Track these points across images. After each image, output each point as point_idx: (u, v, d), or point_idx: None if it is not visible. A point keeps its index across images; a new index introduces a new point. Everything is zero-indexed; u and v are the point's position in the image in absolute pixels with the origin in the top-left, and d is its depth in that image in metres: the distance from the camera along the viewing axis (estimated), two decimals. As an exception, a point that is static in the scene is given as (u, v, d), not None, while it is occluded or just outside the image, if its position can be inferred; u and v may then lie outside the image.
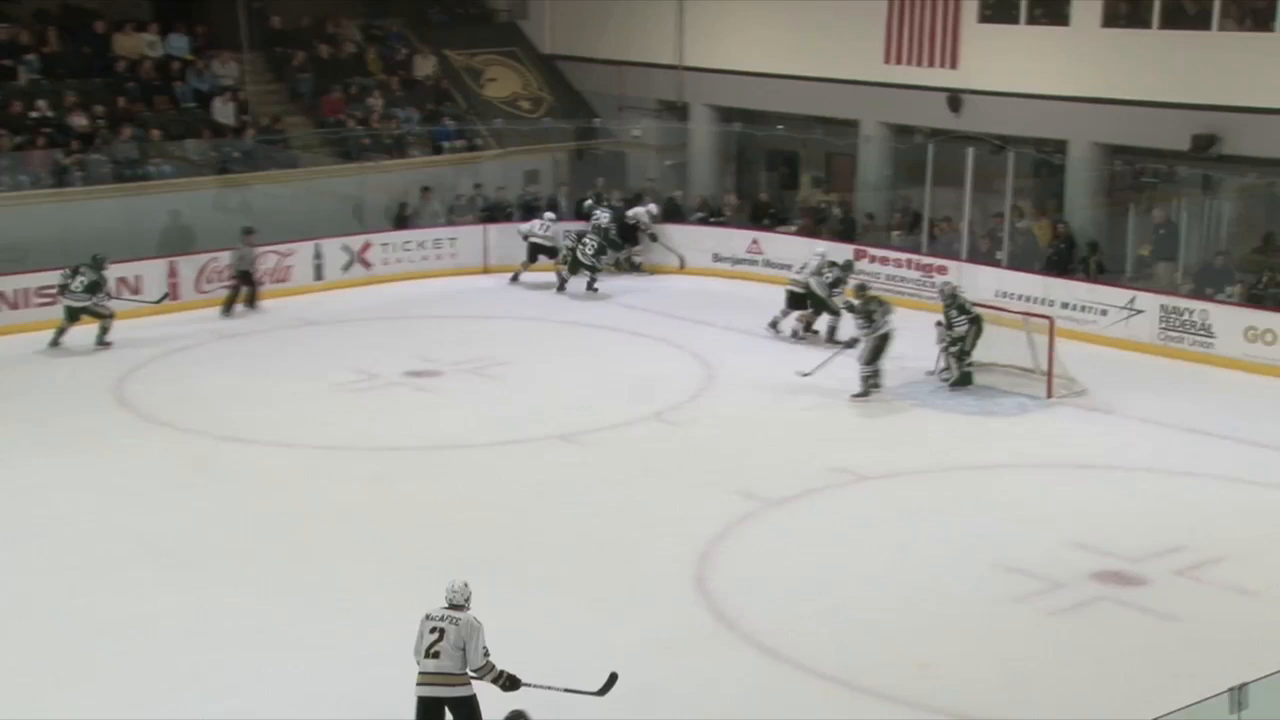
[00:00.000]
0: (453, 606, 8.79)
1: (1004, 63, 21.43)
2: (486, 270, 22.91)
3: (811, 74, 23.60)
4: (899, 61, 22.48)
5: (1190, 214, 19.87)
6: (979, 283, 19.69)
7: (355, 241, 22.38)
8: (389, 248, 22.59)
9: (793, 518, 13.11)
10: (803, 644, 10.61)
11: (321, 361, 17.96)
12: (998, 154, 20.87)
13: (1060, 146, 21.22)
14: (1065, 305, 19.03)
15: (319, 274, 21.96)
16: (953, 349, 16.67)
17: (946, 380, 16.72)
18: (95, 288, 18.29)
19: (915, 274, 20.87)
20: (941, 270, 20.47)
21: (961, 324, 16.57)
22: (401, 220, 23.33)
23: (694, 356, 18.30)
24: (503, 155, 25.02)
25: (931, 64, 22.08)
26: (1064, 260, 20.24)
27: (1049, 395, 16.47)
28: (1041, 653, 10.59)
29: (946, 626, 10.96)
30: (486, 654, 8.71)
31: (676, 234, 23.07)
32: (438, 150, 24.82)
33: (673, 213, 23.80)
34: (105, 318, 18.29)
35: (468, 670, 8.65)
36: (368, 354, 18.22)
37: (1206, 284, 18.82)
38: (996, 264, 20.31)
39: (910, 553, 12.23)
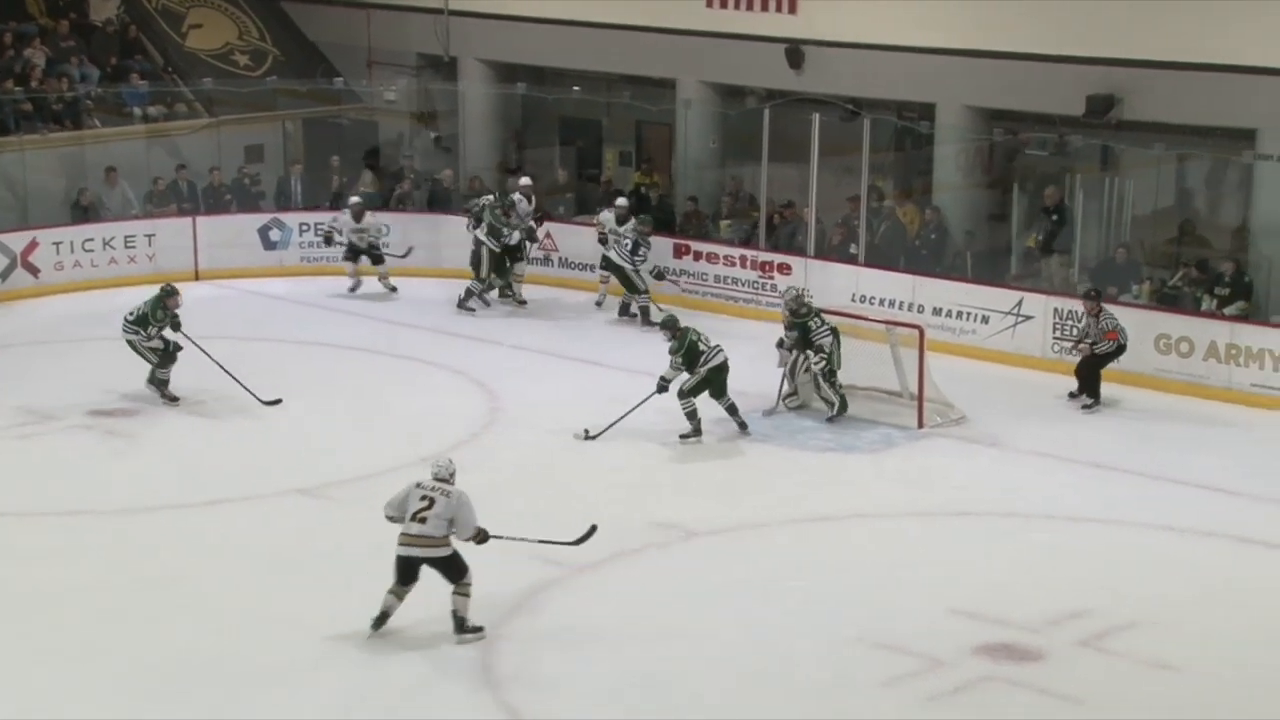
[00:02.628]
0: (440, 480, 12.04)
1: (855, 7, 22.00)
2: (199, 276, 22.58)
3: (615, 21, 23.89)
4: (724, 5, 22.91)
5: (1087, 194, 20.64)
6: (831, 284, 20.18)
7: (17, 240, 21.87)
8: (63, 248, 22.18)
9: (603, 588, 13.22)
10: (621, 750, 10.73)
11: (-28, 400, 17.53)
12: (850, 121, 21.38)
13: (927, 111, 21.85)
14: (938, 311, 19.63)
15: (-34, 284, 21.45)
16: (817, 366, 17.01)
17: (830, 416, 16.99)
18: (143, 322, 17.54)
19: (751, 274, 21.27)
20: (784, 270, 20.91)
21: (825, 335, 16.97)
22: (80, 212, 22.87)
23: (475, 384, 18.34)
24: (214, 125, 24.71)
25: (765, 9, 22.55)
26: (935, 254, 20.88)
27: (920, 425, 16.96)
28: (919, 748, 10.89)
29: (801, 719, 11.20)
30: (478, 532, 12.03)
31: (447, 227, 23.11)
32: (126, 119, 24.39)
33: (439, 199, 23.83)
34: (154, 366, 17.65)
35: (452, 538, 11.92)
36: (36, 388, 17.87)
37: (1107, 282, 19.60)
38: (852, 260, 20.85)
39: (754, 628, 12.44)
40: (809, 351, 17.02)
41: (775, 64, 22.40)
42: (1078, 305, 18.87)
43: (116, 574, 13.30)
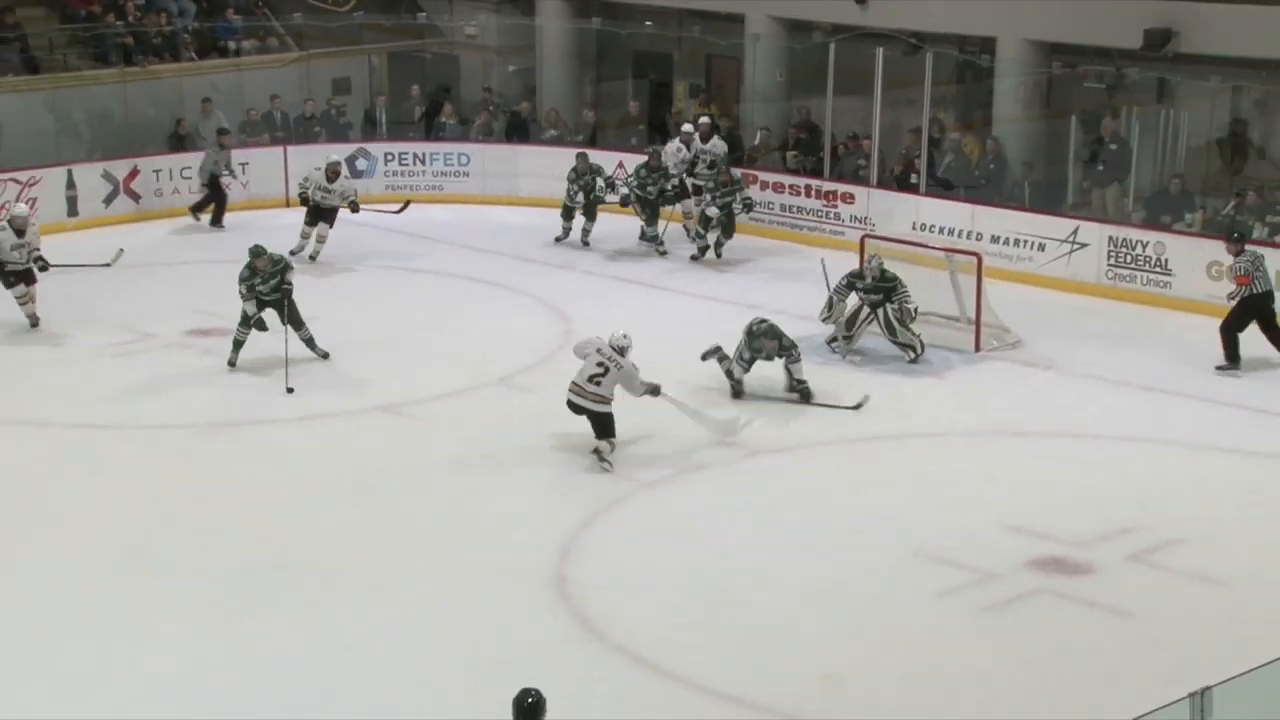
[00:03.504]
0: (616, 349, 13.67)
1: (919, -57, 21.72)
2: (289, 204, 22.64)
3: (687, -43, 23.73)
4: (794, -59, 22.70)
5: (1143, 126, 20.35)
6: (893, 213, 20.03)
7: (119, 167, 22.00)
8: (163, 175, 22.27)
9: (670, 503, 13.25)
10: (684, 654, 10.75)
11: (78, 318, 17.64)
12: (913, 55, 21.16)
13: (987, 45, 21.59)
14: (995, 239, 19.43)
15: (73, 209, 21.55)
16: (913, 311, 16.44)
17: (909, 359, 16.44)
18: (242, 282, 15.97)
19: (816, 204, 21.10)
20: (848, 199, 20.75)
21: (908, 295, 16.40)
22: (177, 141, 22.94)
23: (549, 308, 18.34)
24: (304, 59, 24.72)
25: (833, -56, 22.30)
26: (994, 185, 20.64)
27: (977, 348, 16.83)
28: (971, 657, 10.85)
29: (857, 629, 11.17)
30: (643, 384, 13.85)
31: (524, 157, 23.06)
32: (221, 52, 24.42)
33: (518, 129, 23.74)
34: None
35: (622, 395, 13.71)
36: (138, 308, 17.98)
37: (1162, 211, 19.34)
38: (913, 189, 20.66)
39: (812, 542, 12.43)
40: (895, 302, 16.34)
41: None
42: (1132, 233, 18.69)
43: (204, 487, 13.42)
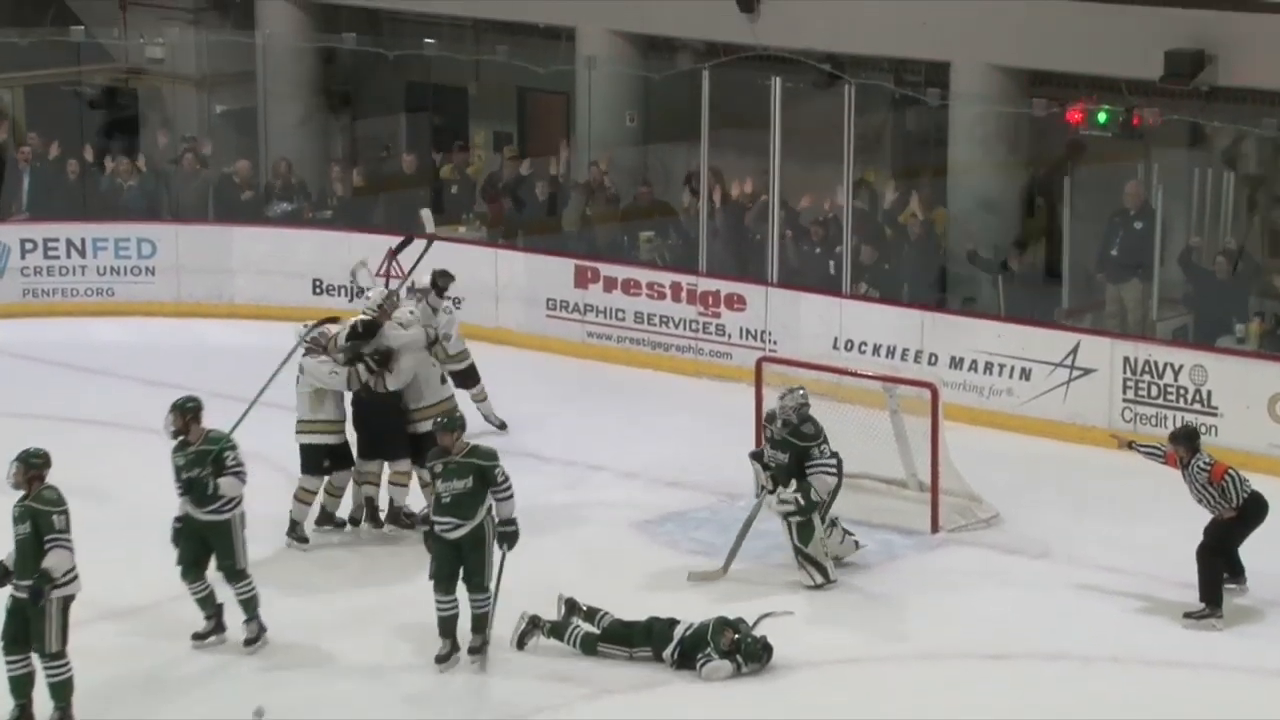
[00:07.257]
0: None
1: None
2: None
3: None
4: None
5: (1169, 189, 20.75)
6: (803, 323, 20.22)
7: None
8: None
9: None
10: None
11: None
12: (829, 88, 21.48)
13: (939, 74, 21.97)
14: (957, 363, 19.72)
15: None
16: (788, 508, 16.06)
17: (809, 585, 16.15)
18: None
19: (689, 312, 21.24)
20: (735, 303, 20.87)
21: (829, 468, 16.03)
22: None
23: (275, 467, 18.27)
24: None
25: (704, -72, 22.69)
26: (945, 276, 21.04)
27: (934, 528, 17.00)
28: None
29: None
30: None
31: (241, 242, 23.02)
32: None
33: (229, 204, 23.64)
34: None
35: None
36: None
37: (1205, 317, 19.65)
38: (833, 290, 20.86)
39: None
40: (780, 490, 16.05)
41: (720, 7, 22.45)
42: (1158, 351, 18.90)
43: None
